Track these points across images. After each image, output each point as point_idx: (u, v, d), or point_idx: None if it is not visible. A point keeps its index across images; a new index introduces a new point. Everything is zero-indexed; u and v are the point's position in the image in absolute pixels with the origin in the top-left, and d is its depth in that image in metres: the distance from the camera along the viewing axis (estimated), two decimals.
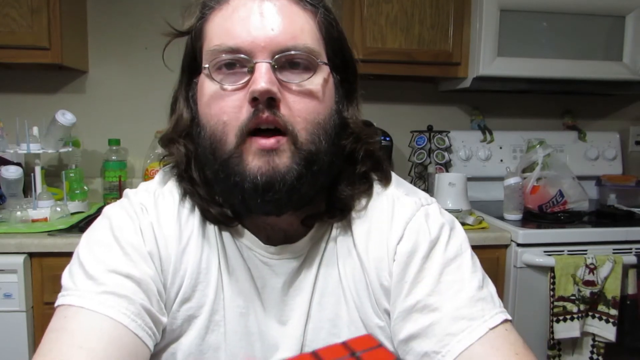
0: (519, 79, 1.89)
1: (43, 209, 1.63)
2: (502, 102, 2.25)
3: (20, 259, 1.43)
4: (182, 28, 0.65)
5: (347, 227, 0.66)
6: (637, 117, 2.37)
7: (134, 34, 1.97)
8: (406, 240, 0.63)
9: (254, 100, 0.55)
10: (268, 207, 0.58)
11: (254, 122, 0.56)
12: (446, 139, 2.07)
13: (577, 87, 1.97)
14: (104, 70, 2.00)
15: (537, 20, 1.84)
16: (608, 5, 1.86)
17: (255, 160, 0.56)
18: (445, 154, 2.06)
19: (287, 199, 0.57)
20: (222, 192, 0.61)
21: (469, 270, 0.63)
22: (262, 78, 0.55)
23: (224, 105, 0.57)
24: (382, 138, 1.93)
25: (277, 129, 0.56)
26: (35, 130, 1.68)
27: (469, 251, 0.65)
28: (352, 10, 1.81)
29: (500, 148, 2.15)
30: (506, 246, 1.63)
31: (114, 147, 1.92)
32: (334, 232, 0.66)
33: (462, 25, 1.86)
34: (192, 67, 0.64)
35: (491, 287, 0.64)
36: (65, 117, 1.65)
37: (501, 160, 2.13)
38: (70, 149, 1.79)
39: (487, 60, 1.82)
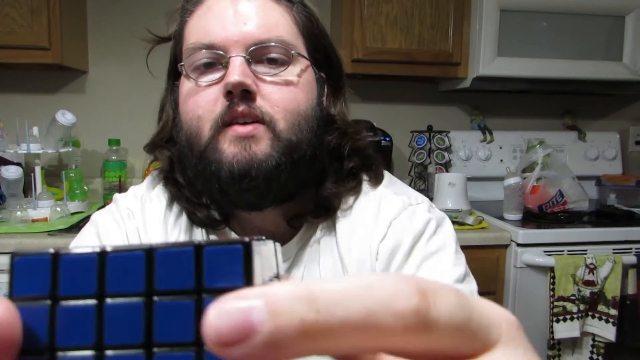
0: (519, 79, 1.89)
1: (43, 209, 1.63)
2: (502, 102, 2.25)
3: None
4: (166, 35, 0.66)
5: (332, 227, 0.65)
6: (637, 117, 2.37)
7: (134, 34, 1.97)
8: (389, 238, 0.62)
9: (229, 94, 0.55)
10: (247, 196, 0.57)
11: (229, 116, 0.55)
12: (446, 139, 2.07)
13: (577, 87, 1.97)
14: (104, 70, 2.00)
15: (537, 20, 1.84)
16: (608, 5, 1.86)
17: (231, 147, 0.55)
18: (445, 154, 2.06)
19: (265, 187, 0.56)
20: (203, 186, 0.60)
21: (449, 264, 0.61)
22: (236, 71, 0.55)
23: (198, 100, 0.57)
24: (382, 138, 1.93)
25: (255, 121, 0.56)
26: (35, 130, 1.68)
27: (453, 247, 0.64)
28: (352, 10, 1.81)
29: (500, 148, 2.15)
30: (506, 246, 1.63)
31: (114, 147, 1.92)
32: (318, 233, 0.65)
33: (462, 25, 1.86)
34: (175, 72, 0.64)
35: (473, 285, 0.63)
36: (65, 117, 1.65)
37: (501, 160, 2.13)
38: (70, 149, 1.79)
39: (487, 60, 1.82)
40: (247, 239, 0.16)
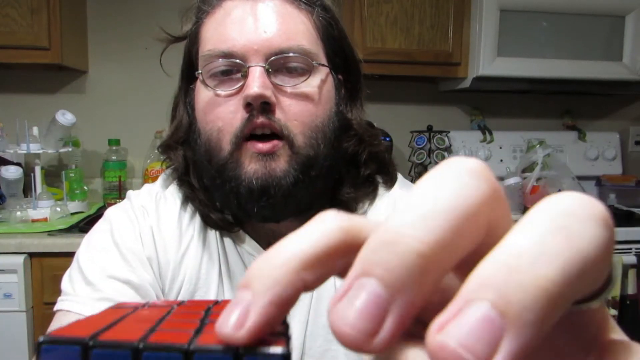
0: (519, 79, 1.89)
1: (43, 209, 1.63)
2: (502, 102, 2.25)
3: (20, 259, 1.42)
4: (180, 33, 0.64)
5: None
6: (637, 117, 2.37)
7: (134, 34, 1.97)
8: None
9: (248, 106, 0.54)
10: (265, 212, 0.57)
11: (248, 128, 0.55)
12: (446, 139, 2.07)
13: (577, 87, 1.97)
14: (104, 70, 2.00)
15: (537, 20, 1.84)
16: (608, 5, 1.86)
17: (252, 164, 0.55)
18: (445, 154, 2.06)
19: (283, 205, 0.56)
20: (220, 199, 0.61)
21: None
22: (255, 82, 0.54)
23: (218, 111, 0.57)
24: (382, 138, 1.93)
25: (273, 134, 0.55)
26: (35, 130, 1.68)
27: None
28: (352, 10, 1.81)
29: (500, 148, 2.15)
30: None
31: (114, 147, 1.92)
32: None
33: (462, 25, 1.86)
34: (189, 73, 0.63)
35: None
36: (65, 117, 1.65)
37: (501, 160, 2.13)
38: (70, 149, 1.79)
39: (487, 60, 1.82)
40: (285, 351, 0.15)
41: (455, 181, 0.15)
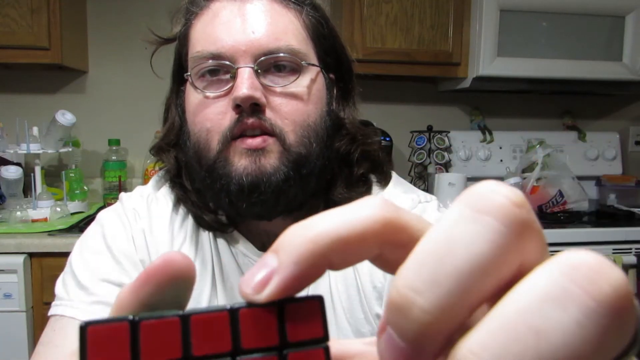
0: (519, 79, 1.89)
1: (43, 209, 1.63)
2: (502, 102, 2.25)
3: (20, 259, 1.42)
4: (169, 35, 0.64)
5: None
6: (637, 117, 2.37)
7: (134, 34, 1.97)
8: None
9: (238, 107, 0.54)
10: (255, 209, 0.56)
11: (239, 129, 0.55)
12: (446, 139, 2.07)
13: (577, 87, 1.97)
14: (104, 70, 2.00)
15: (537, 20, 1.84)
16: (608, 5, 1.86)
17: (242, 160, 0.55)
18: (445, 154, 2.06)
19: (274, 201, 0.55)
20: (212, 198, 0.60)
21: None
22: (244, 84, 0.53)
23: (207, 112, 0.56)
24: (382, 138, 1.93)
25: (264, 133, 0.55)
26: (35, 130, 1.68)
27: None
28: (352, 10, 1.81)
29: (500, 148, 2.15)
30: None
31: (114, 147, 1.92)
32: None
33: (462, 25, 1.86)
34: (180, 75, 0.63)
35: None
36: (65, 117, 1.65)
37: (501, 161, 2.13)
38: (70, 149, 1.79)
39: (487, 60, 1.82)
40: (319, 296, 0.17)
41: (472, 234, 0.14)
